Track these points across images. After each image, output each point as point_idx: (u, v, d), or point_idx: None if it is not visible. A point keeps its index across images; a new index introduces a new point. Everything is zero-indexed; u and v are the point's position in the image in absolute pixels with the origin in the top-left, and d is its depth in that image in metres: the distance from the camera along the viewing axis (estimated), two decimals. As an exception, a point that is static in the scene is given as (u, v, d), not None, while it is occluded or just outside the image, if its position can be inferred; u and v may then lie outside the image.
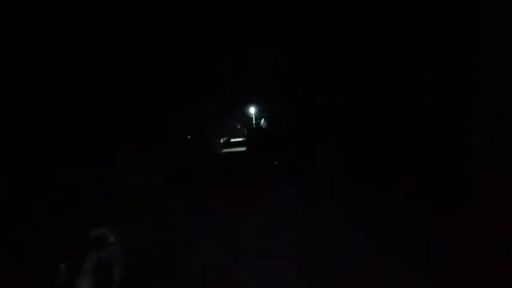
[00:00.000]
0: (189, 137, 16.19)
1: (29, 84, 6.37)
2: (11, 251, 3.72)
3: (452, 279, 2.67)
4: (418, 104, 5.91)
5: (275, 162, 10.96)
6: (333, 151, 7.96)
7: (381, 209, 4.44)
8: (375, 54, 7.14)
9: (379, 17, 6.84)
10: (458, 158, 4.57)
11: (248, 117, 24.39)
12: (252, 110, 23.75)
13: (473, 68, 4.40)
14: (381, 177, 5.56)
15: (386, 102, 6.80)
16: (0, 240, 3.98)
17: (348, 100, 8.18)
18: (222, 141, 25.92)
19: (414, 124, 5.86)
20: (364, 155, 6.82)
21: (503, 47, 3.90)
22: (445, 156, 4.91)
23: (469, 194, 4.05)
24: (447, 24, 5.15)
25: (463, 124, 4.57)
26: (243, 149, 20.49)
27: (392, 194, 4.91)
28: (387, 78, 6.86)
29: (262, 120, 19.80)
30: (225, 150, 22.56)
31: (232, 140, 28.72)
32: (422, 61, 5.83)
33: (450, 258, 2.96)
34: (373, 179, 5.69)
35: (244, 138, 24.11)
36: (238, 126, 31.17)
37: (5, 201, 4.81)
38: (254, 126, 22.21)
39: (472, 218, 3.64)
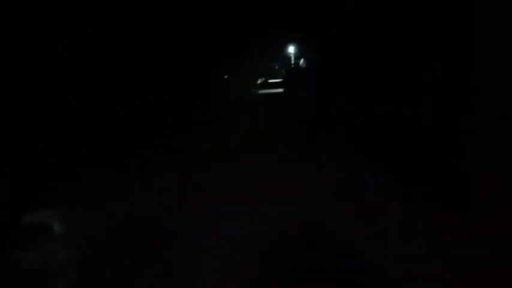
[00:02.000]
0: (226, 76, 15.54)
1: (28, 84, 6.37)
2: None
3: (452, 280, 2.68)
4: (418, 104, 5.91)
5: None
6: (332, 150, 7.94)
7: (381, 209, 4.43)
8: (375, 54, 7.15)
9: (379, 16, 6.84)
10: (458, 158, 4.57)
11: (287, 57, 22.87)
12: (291, 50, 22.23)
13: (473, 68, 4.39)
14: (381, 177, 5.55)
15: (386, 102, 6.80)
16: None
17: (348, 100, 8.18)
18: (259, 82, 24.22)
19: (414, 124, 5.86)
20: (364, 154, 6.82)
21: (503, 47, 3.90)
22: (445, 156, 4.90)
23: (469, 194, 4.05)
24: (447, 24, 5.15)
25: (463, 124, 4.57)
26: (281, 90, 18.90)
27: (393, 194, 4.90)
28: (387, 78, 6.86)
29: (302, 60, 17.61)
30: (263, 91, 21.09)
31: (270, 80, 26.74)
32: (422, 61, 5.83)
33: (450, 258, 2.96)
34: (373, 178, 5.68)
35: (282, 79, 22.02)
36: (276, 67, 28.87)
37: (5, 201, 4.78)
38: (293, 66, 20.70)
39: (472, 218, 3.64)
